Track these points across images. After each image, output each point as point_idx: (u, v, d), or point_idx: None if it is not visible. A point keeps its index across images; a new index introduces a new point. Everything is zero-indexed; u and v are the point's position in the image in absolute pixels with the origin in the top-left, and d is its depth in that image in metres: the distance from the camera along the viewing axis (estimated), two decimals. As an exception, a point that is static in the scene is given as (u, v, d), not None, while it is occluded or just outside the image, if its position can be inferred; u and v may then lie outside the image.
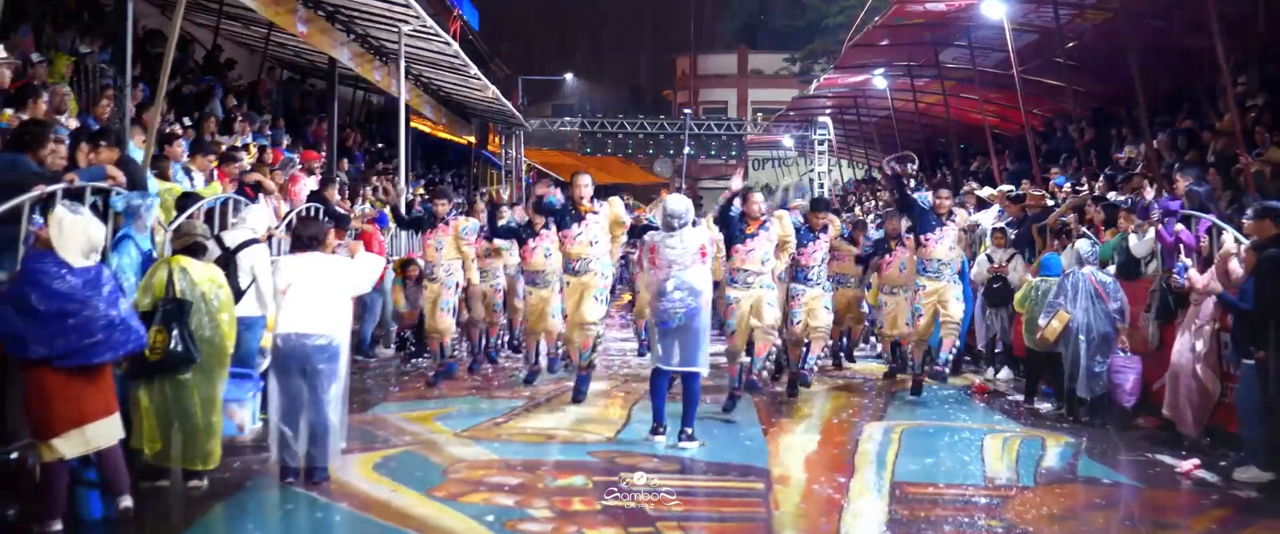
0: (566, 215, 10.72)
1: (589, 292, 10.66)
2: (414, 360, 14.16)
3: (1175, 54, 15.29)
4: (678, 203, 9.12)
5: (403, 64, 15.39)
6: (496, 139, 32.74)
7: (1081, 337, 10.33)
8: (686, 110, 25.96)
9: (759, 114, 41.12)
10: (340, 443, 7.67)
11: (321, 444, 7.40)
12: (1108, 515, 7.45)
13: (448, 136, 28.64)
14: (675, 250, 8.85)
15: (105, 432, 6.46)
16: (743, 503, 7.48)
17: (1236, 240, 9.31)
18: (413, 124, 24.30)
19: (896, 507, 7.30)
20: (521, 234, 11.90)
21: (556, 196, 11.88)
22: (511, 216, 12.50)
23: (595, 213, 10.68)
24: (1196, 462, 8.67)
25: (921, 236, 11.57)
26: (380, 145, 23.62)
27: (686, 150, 18.05)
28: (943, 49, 18.56)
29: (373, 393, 11.67)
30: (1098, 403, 10.41)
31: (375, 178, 20.13)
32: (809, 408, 11.05)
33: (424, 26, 14.95)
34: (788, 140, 33.66)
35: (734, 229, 10.58)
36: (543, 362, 12.59)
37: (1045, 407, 11.37)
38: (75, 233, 6.37)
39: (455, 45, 16.67)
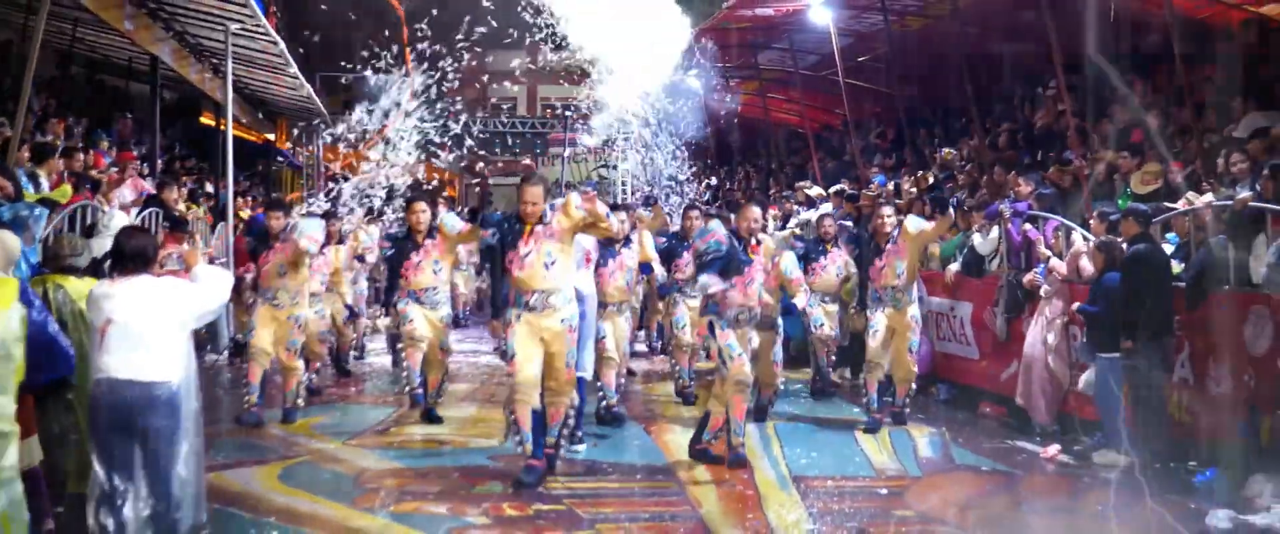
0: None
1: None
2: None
3: (984, 61, 16.18)
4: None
5: (230, 63, 14.89)
6: (285, 136, 31.84)
7: None
8: (567, 111, 25.71)
9: (549, 111, 41.03)
10: (199, 515, 6.05)
11: (164, 521, 5.67)
12: (1006, 501, 7.96)
13: (245, 135, 27.71)
14: None
15: (24, 453, 6.15)
16: (666, 502, 7.63)
17: (1084, 239, 10.02)
18: (209, 121, 23.60)
19: (811, 501, 7.60)
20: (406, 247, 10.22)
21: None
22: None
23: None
24: (1058, 447, 9.31)
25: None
26: (176, 146, 22.83)
27: (565, 152, 17.86)
28: (761, 51, 19.13)
29: (228, 404, 11.29)
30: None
31: (185, 177, 19.50)
32: (677, 408, 11.25)
33: (257, 25, 14.53)
34: (588, 138, 33.83)
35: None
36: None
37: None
38: None
39: (282, 45, 16.21)
